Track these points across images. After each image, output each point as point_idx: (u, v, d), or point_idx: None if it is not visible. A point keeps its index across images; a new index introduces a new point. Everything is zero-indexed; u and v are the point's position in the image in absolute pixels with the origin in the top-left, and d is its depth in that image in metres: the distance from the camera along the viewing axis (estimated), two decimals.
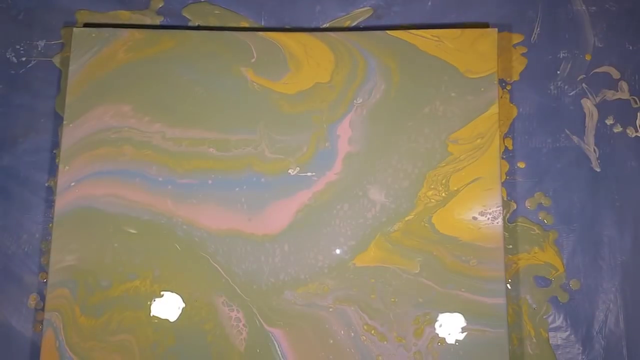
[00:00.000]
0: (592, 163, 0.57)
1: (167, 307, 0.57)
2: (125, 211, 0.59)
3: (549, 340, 0.55)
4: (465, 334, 0.54)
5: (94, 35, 0.62)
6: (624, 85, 0.57)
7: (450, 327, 0.55)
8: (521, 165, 0.58)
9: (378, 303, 0.56)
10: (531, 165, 0.58)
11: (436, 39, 0.59)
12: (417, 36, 0.59)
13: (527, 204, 0.58)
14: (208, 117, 0.60)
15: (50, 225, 0.61)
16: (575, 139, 0.57)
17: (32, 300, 0.60)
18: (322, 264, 0.57)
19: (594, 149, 0.57)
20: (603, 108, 0.57)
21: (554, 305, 0.56)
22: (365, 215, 0.57)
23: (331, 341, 0.56)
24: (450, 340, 0.54)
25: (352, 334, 0.56)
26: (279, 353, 0.56)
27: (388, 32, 0.60)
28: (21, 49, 0.64)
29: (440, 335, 0.55)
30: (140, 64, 0.61)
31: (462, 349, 0.54)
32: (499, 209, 0.56)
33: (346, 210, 0.58)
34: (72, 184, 0.59)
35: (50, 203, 0.61)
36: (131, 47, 0.62)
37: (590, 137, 0.57)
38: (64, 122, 0.60)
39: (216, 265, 0.58)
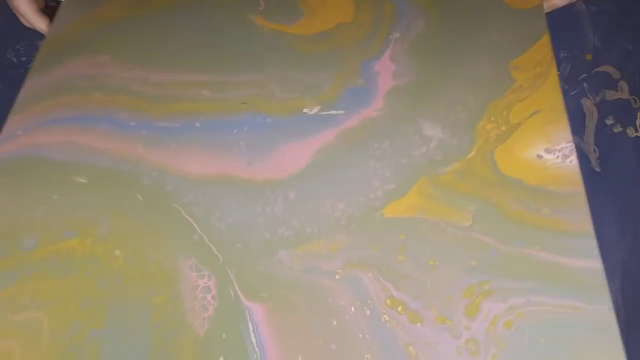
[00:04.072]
0: (592, 163, 0.48)
1: (108, 274, 0.36)
2: (79, 159, 0.41)
3: None
4: (546, 312, 0.32)
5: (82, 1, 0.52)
6: (624, 85, 0.50)
7: (522, 302, 0.32)
8: None
9: (409, 267, 0.34)
10: None
11: None
12: None
13: None
14: (204, 59, 0.46)
15: None
16: (575, 139, 0.48)
17: None
18: (341, 213, 0.37)
19: (594, 149, 0.49)
20: (603, 108, 0.50)
21: None
22: (411, 154, 0.39)
23: (335, 322, 0.33)
24: (523, 321, 0.32)
25: (368, 312, 0.33)
26: (253, 340, 0.33)
27: None
28: (21, 49, 0.57)
29: (506, 314, 0.32)
30: (134, 20, 0.49)
31: (543, 333, 0.31)
32: (569, 145, 0.38)
33: (386, 148, 0.40)
34: (19, 132, 0.43)
35: None
36: (124, 5, 0.50)
37: (590, 137, 0.49)
38: (27, 75, 0.47)
39: (189, 219, 0.38)
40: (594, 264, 0.33)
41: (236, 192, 0.39)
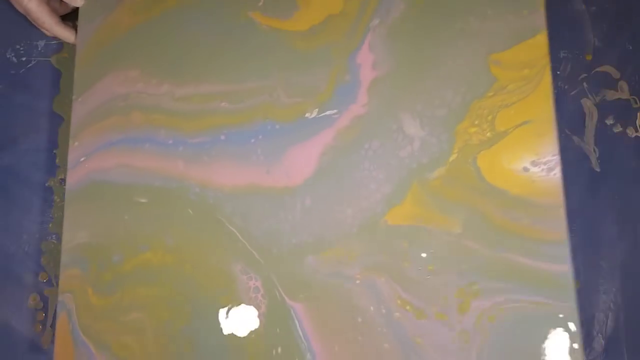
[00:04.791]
0: (592, 163, 0.49)
1: (180, 280, 0.46)
2: (136, 180, 0.48)
3: None
4: (521, 308, 0.40)
5: (98, 4, 0.53)
6: (624, 85, 0.50)
7: (503, 299, 0.40)
8: None
9: (413, 272, 0.42)
10: None
11: None
12: None
13: None
14: (218, 69, 0.49)
15: (50, 224, 0.54)
16: (575, 139, 0.49)
17: (32, 300, 0.53)
18: (352, 220, 0.44)
19: (594, 149, 0.49)
20: (603, 108, 0.49)
21: None
22: (398, 154, 0.44)
23: (360, 319, 0.42)
24: (503, 316, 0.40)
25: (384, 311, 0.42)
26: (300, 334, 0.44)
27: None
28: (21, 49, 0.58)
29: (490, 310, 0.40)
30: (146, 26, 0.51)
31: (518, 327, 0.39)
32: (555, 158, 0.41)
33: (376, 149, 0.44)
34: (82, 159, 0.50)
35: (50, 203, 0.54)
36: (136, 11, 0.52)
37: (590, 137, 0.49)
38: (73, 97, 0.51)
39: (232, 229, 0.46)
40: (564, 269, 0.39)
41: (263, 201, 0.46)
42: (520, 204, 0.41)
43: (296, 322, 0.44)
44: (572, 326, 0.39)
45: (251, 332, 0.44)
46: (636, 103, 0.47)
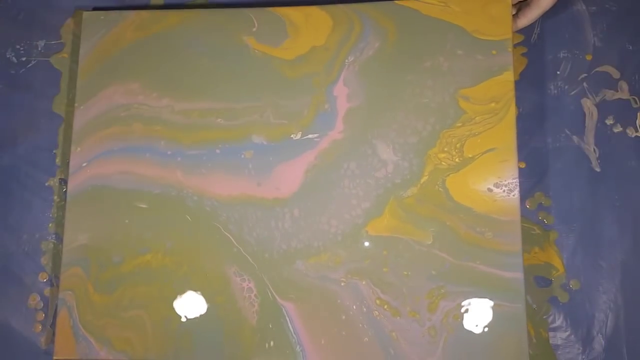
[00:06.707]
0: (592, 163, 0.50)
1: (178, 280, 0.50)
2: (136, 186, 0.51)
3: (549, 340, 0.48)
4: (481, 308, 0.46)
5: (102, 17, 0.55)
6: (623, 85, 0.50)
7: (465, 301, 0.47)
8: (521, 165, 0.51)
9: (391, 276, 0.47)
10: (531, 165, 0.51)
11: (442, 4, 0.50)
12: (423, 3, 0.51)
13: (527, 204, 0.50)
14: (214, 87, 0.52)
15: (50, 224, 0.55)
16: (575, 138, 0.51)
17: (32, 300, 0.54)
18: (335, 229, 0.49)
19: (594, 149, 0.50)
20: (603, 108, 0.50)
21: (554, 305, 0.49)
22: (374, 175, 0.49)
23: (343, 317, 0.48)
24: (466, 314, 0.46)
25: (365, 309, 0.47)
26: (291, 329, 0.48)
27: (396, 2, 0.52)
28: (21, 49, 0.58)
29: (454, 310, 0.47)
30: (147, 41, 0.54)
31: (478, 323, 0.46)
32: (515, 181, 0.47)
33: (354, 169, 0.49)
34: (84, 164, 0.53)
35: (50, 203, 0.55)
36: (138, 26, 0.54)
37: (590, 137, 0.50)
38: (75, 105, 0.53)
39: (227, 234, 0.50)
40: (516, 275, 0.46)
41: (255, 210, 0.50)
42: (483, 220, 0.47)
43: (287, 318, 0.49)
44: (521, 323, 0.46)
45: (246, 328, 0.49)
46: (636, 103, 0.48)
